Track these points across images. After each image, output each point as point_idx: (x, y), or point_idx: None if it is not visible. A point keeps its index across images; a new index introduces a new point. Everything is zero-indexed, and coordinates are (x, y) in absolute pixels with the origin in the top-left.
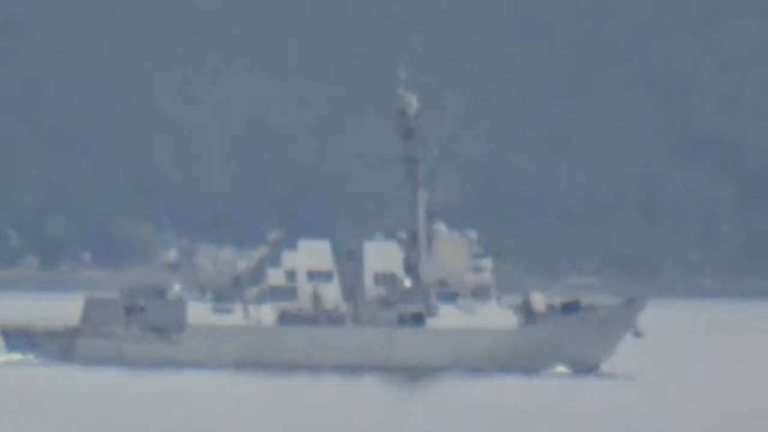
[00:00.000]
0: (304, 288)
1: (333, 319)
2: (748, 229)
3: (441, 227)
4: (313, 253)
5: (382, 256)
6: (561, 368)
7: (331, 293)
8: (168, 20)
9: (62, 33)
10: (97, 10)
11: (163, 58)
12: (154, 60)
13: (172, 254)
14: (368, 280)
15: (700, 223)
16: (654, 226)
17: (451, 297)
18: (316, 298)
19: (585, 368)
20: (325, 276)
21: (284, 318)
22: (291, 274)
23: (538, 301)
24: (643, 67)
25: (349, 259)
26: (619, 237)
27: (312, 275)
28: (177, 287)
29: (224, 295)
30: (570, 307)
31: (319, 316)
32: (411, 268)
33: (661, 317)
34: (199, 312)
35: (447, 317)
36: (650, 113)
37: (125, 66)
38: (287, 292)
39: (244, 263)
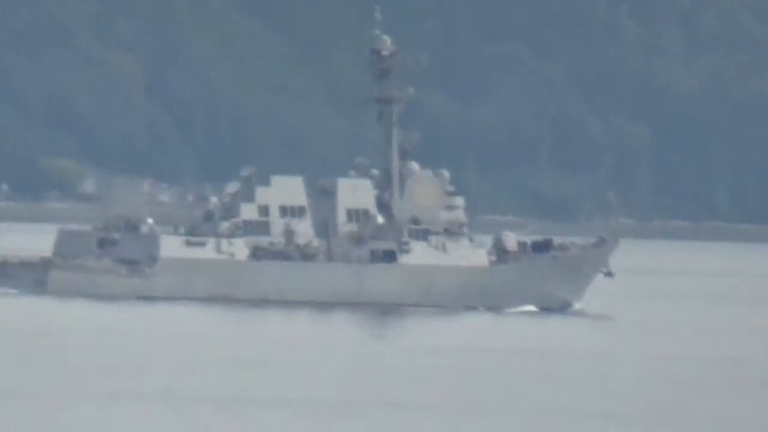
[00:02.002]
0: (277, 223)
1: (305, 254)
2: (663, 171)
3: (414, 165)
4: (286, 189)
5: (355, 193)
6: (530, 307)
7: (304, 229)
8: None
9: None
10: None
11: None
12: None
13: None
14: (341, 216)
15: (617, 164)
16: (571, 168)
17: (423, 234)
18: (289, 233)
19: (556, 307)
20: (298, 211)
21: (256, 253)
22: (264, 209)
23: (510, 239)
24: (561, 8)
25: (322, 196)
26: (536, 178)
27: (285, 211)
28: (150, 221)
29: (197, 229)
30: (541, 246)
31: (291, 252)
32: (384, 206)
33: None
34: (171, 246)
35: (419, 254)
36: (568, 55)
37: (43, 2)
38: (260, 227)
39: (216, 198)
